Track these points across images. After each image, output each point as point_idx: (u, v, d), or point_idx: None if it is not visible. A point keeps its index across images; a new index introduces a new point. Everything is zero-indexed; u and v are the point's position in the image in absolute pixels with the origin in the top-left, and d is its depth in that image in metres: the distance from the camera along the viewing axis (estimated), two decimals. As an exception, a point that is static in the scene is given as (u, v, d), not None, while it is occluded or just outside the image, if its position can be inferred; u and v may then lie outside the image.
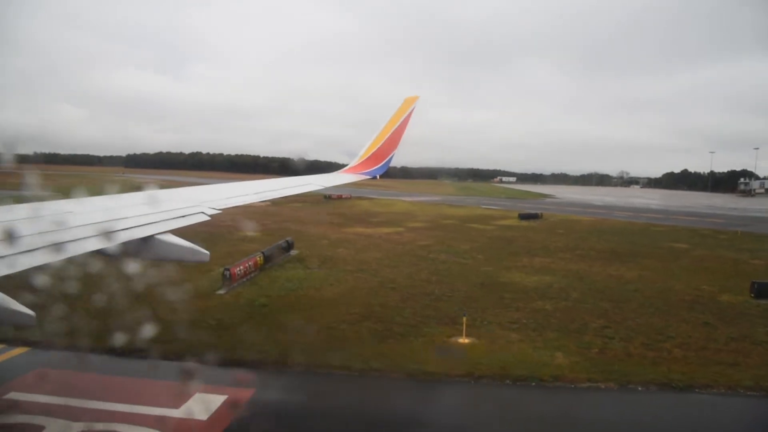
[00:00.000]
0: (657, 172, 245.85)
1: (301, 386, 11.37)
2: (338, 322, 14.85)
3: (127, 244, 6.08)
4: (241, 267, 19.65)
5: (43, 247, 5.28)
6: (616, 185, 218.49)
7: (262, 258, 21.96)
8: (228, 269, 18.70)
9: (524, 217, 47.00)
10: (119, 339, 12.51)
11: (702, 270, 25.72)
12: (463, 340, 13.43)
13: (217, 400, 9.66)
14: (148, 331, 13.41)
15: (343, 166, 19.28)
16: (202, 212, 8.17)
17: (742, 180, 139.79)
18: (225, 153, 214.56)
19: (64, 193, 8.02)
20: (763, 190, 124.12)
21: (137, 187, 11.65)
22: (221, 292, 18.27)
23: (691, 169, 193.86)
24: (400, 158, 19.75)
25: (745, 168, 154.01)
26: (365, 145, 18.83)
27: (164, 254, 6.68)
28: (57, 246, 5.46)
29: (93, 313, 14.55)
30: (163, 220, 7.15)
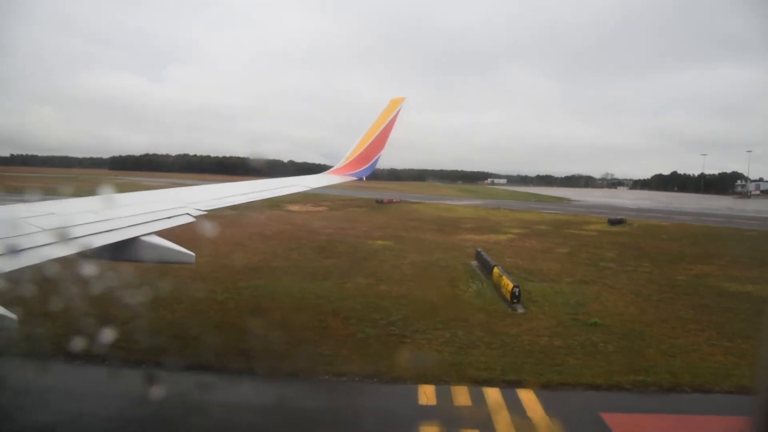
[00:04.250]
0: (637, 173, 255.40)
1: None
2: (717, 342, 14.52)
3: (112, 246, 6.07)
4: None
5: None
6: (601, 186, 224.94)
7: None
8: (517, 286, 18.00)
9: (613, 222, 47.69)
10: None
11: None
12: None
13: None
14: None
15: (326, 167, 19.15)
16: (188, 213, 8.07)
17: (739, 182, 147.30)
18: (212, 155, 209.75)
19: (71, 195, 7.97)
20: (758, 192, 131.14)
21: (137, 189, 11.08)
22: (513, 311, 17.59)
23: (676, 172, 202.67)
24: (386, 160, 19.61)
25: (734, 171, 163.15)
26: (351, 146, 18.65)
27: (149, 256, 6.62)
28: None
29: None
30: (149, 222, 7.07)
